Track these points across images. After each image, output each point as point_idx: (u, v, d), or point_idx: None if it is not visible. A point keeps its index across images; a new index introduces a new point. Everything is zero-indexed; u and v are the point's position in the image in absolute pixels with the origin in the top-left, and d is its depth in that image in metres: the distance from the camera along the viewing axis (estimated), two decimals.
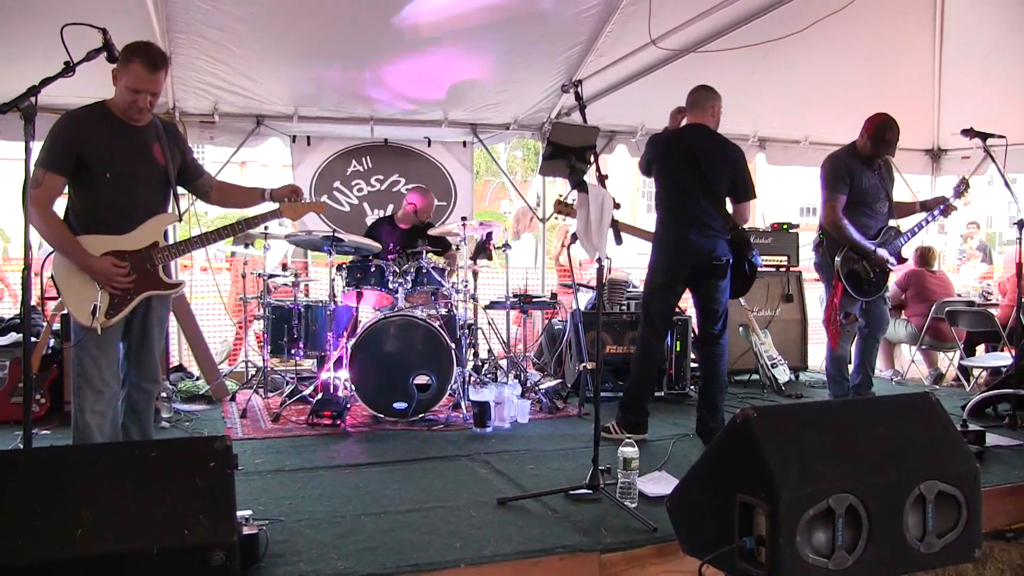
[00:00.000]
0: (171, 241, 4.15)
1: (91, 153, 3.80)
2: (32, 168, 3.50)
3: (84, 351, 3.87)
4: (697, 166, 5.27)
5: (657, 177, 5.40)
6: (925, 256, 8.49)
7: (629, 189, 30.62)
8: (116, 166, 3.86)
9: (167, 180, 4.08)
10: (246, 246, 7.11)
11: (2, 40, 6.08)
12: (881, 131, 5.78)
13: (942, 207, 6.05)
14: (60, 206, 3.93)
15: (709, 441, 5.21)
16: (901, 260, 6.09)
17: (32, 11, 5.73)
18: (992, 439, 5.09)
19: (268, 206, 4.36)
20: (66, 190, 3.90)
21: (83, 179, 3.83)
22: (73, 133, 3.81)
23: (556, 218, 5.70)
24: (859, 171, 5.87)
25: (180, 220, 4.30)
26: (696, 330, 5.64)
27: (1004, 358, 7.20)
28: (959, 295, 8.77)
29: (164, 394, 6.00)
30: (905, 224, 6.16)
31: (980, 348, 8.22)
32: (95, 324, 3.81)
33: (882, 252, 5.87)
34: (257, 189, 4.43)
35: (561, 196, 5.41)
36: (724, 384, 5.41)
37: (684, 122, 5.52)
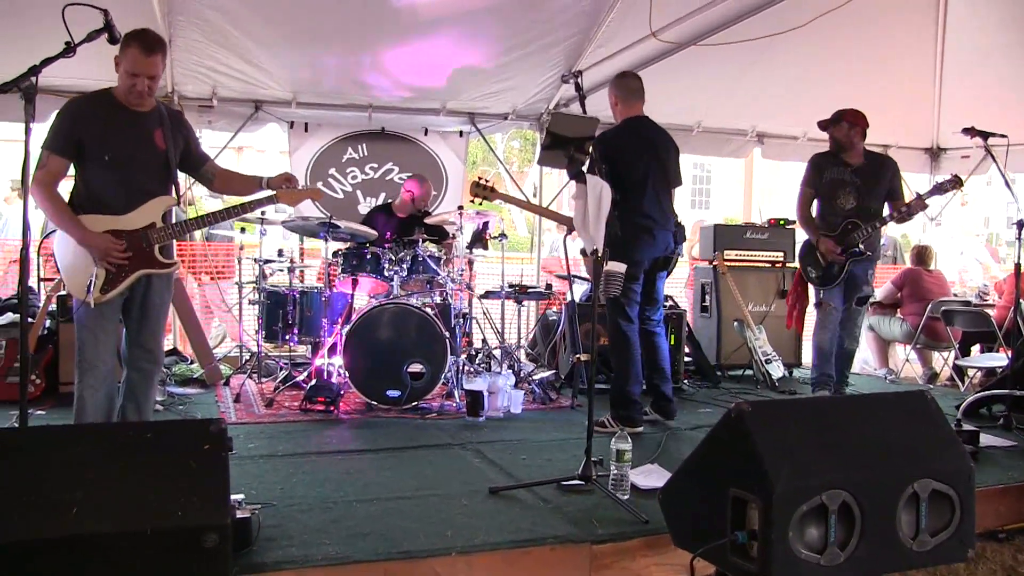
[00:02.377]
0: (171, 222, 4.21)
1: (91, 137, 3.92)
2: (40, 150, 3.79)
3: (82, 327, 4.00)
4: (657, 158, 5.37)
5: (621, 171, 5.18)
6: (921, 255, 8.49)
7: None
8: (115, 150, 3.96)
9: (167, 165, 4.16)
10: (242, 231, 7.10)
11: (5, 21, 6.06)
12: (831, 122, 6.13)
13: (914, 201, 6.04)
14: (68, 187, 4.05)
15: (668, 415, 5.54)
16: (858, 254, 6.11)
17: None
18: (986, 439, 5.08)
19: (265, 192, 4.41)
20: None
21: (85, 162, 3.96)
22: (75, 118, 3.95)
23: (472, 201, 5.66)
24: (826, 166, 6.19)
25: (179, 203, 4.35)
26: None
27: (1000, 359, 7.21)
28: (955, 295, 8.79)
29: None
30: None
31: (975, 348, 8.22)
32: (89, 298, 3.91)
33: (826, 242, 6.08)
34: (255, 177, 4.50)
35: (481, 178, 5.37)
36: (667, 353, 5.63)
37: (623, 115, 5.49)
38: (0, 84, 3.25)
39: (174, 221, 4.24)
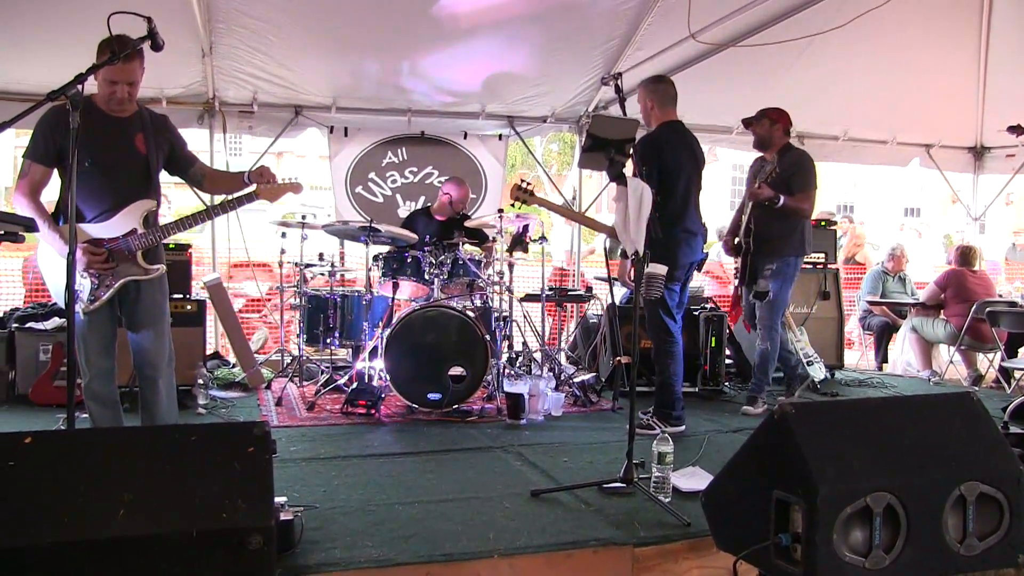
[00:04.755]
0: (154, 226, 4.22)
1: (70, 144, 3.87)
2: (21, 159, 3.85)
3: (76, 334, 3.99)
4: (695, 162, 5.44)
5: (666, 176, 5.20)
6: (966, 255, 8.36)
7: None
8: (95, 156, 3.99)
9: (148, 169, 4.18)
10: (283, 236, 7.16)
11: (50, 30, 6.17)
12: (754, 119, 6.18)
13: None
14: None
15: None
16: (741, 248, 6.22)
17: (79, 1, 5.81)
18: None
19: (245, 190, 4.40)
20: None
21: (65, 169, 3.91)
22: (54, 126, 3.94)
23: (513, 205, 5.67)
24: (755, 167, 6.31)
25: (158, 207, 4.34)
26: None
27: None
28: (1000, 295, 8.65)
29: (201, 381, 6.06)
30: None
31: (1022, 350, 8.09)
32: (77, 308, 3.93)
33: (724, 238, 6.51)
34: (239, 174, 4.51)
35: (523, 179, 5.39)
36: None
37: (660, 119, 5.46)
38: (48, 92, 3.29)
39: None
